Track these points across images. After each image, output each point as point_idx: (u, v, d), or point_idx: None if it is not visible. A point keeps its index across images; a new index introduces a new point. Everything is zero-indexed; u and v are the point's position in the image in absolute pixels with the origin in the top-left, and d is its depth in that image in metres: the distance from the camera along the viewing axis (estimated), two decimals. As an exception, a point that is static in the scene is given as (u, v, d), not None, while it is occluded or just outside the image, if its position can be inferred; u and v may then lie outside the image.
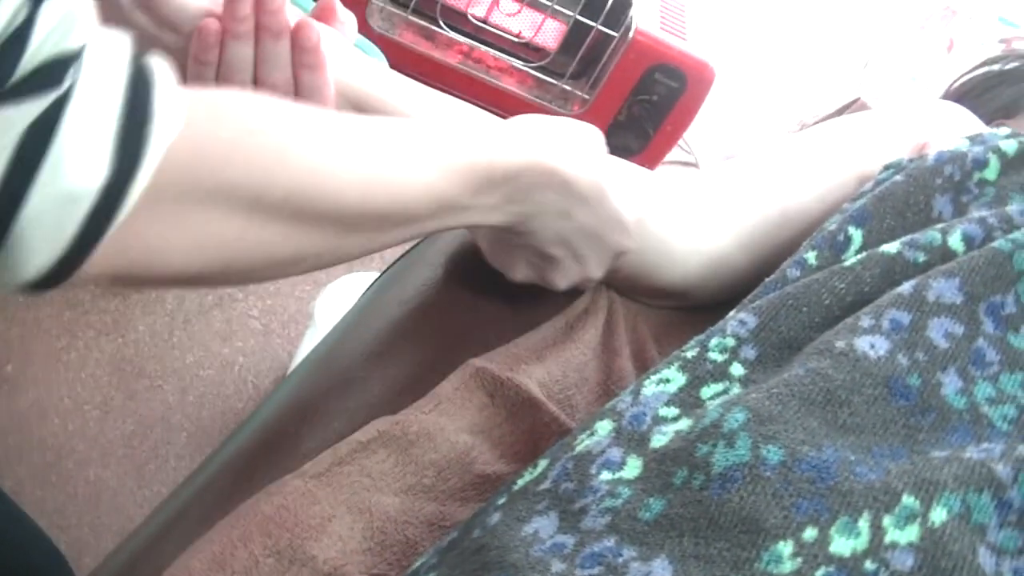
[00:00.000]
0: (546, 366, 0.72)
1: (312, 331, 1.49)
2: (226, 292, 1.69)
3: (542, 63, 1.88)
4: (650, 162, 1.95)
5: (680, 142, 2.27)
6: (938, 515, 0.48)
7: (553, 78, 1.90)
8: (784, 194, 0.83)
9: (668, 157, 2.15)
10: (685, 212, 0.82)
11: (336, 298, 1.49)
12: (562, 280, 0.76)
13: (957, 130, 0.86)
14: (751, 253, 0.83)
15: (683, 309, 0.84)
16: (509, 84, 1.91)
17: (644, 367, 0.75)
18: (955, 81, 1.33)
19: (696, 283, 0.83)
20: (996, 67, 1.30)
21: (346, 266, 1.82)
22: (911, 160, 0.77)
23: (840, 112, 1.65)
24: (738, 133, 2.42)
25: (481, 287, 0.81)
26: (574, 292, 0.80)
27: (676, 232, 0.81)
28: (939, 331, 0.59)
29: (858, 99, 1.63)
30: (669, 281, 0.82)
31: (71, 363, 1.50)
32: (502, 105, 1.93)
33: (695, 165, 2.41)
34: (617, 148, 1.92)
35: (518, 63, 1.90)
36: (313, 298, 1.60)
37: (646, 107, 1.87)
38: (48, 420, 1.42)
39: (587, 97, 1.88)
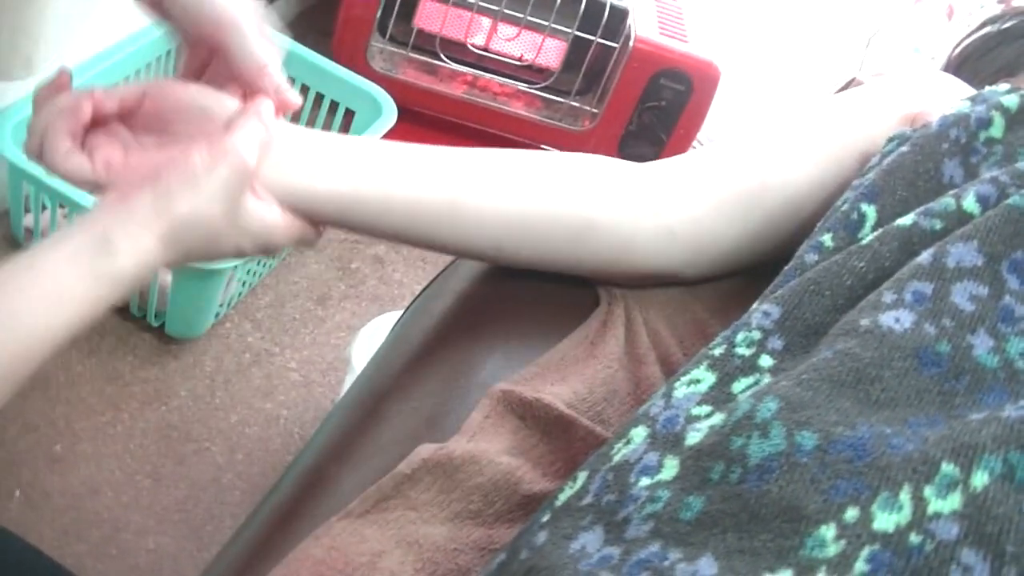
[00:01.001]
0: (570, 385, 0.72)
1: (351, 376, 1.50)
2: (263, 348, 1.70)
3: (547, 83, 1.89)
4: (667, 167, 1.95)
5: (695, 143, 2.27)
6: (979, 479, 0.47)
7: (560, 96, 1.91)
8: (762, 164, 0.82)
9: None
10: (653, 187, 0.81)
11: (371, 341, 1.50)
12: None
13: (949, 96, 0.85)
14: (734, 224, 0.81)
15: (705, 307, 0.83)
16: (517, 108, 1.92)
17: (672, 371, 0.75)
18: (955, 47, 1.32)
19: (684, 260, 0.82)
20: (994, 27, 1.29)
21: (378, 308, 1.83)
22: (915, 130, 0.76)
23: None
24: (753, 125, 2.41)
25: (499, 311, 0.81)
26: (590, 306, 0.80)
27: (644, 209, 0.80)
28: (963, 295, 0.59)
29: (854, 79, 1.63)
30: (654, 261, 0.81)
31: (118, 436, 1.51)
32: (513, 129, 1.94)
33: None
34: (632, 157, 1.92)
35: (523, 86, 1.91)
36: (348, 344, 1.61)
37: (656, 113, 1.87)
38: (101, 494, 1.44)
39: (596, 111, 1.89)
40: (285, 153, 0.74)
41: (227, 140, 0.69)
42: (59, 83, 0.71)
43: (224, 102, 0.73)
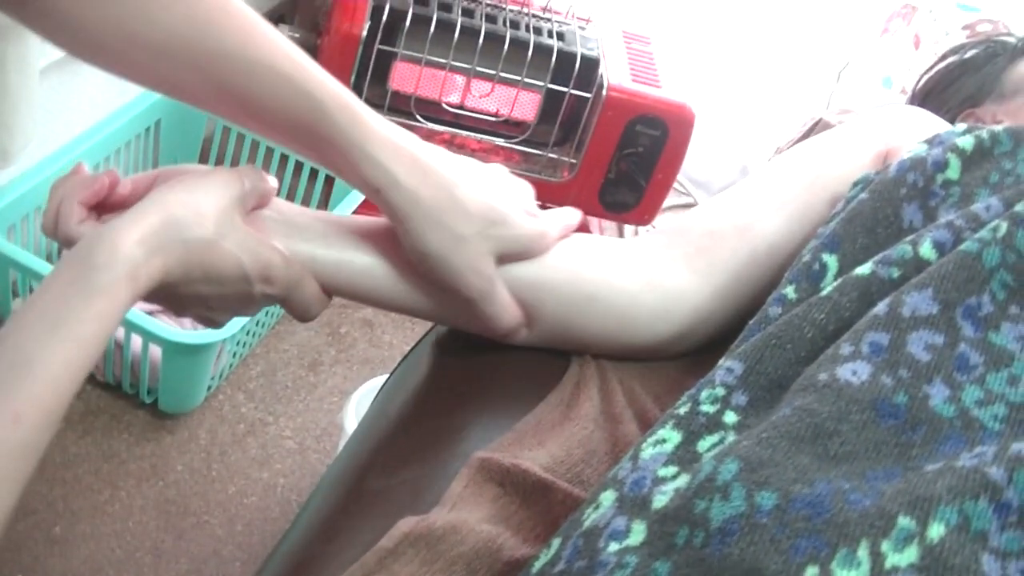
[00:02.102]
0: (548, 449, 0.73)
1: (344, 441, 1.50)
2: (257, 418, 1.71)
3: (524, 136, 1.91)
4: (648, 212, 1.96)
5: (675, 185, 2.28)
6: (936, 531, 0.48)
7: (538, 149, 1.92)
8: (748, 229, 0.83)
9: (667, 202, 2.17)
10: (651, 264, 0.82)
11: (363, 405, 1.50)
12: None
13: (918, 132, 0.87)
14: (724, 299, 0.83)
15: (678, 363, 0.85)
16: (496, 163, 1.93)
17: (649, 427, 0.76)
18: (919, 80, 1.34)
19: (678, 333, 0.83)
20: (956, 58, 1.31)
21: (369, 371, 1.84)
22: (877, 173, 0.78)
23: (806, 135, 1.67)
24: (729, 164, 2.43)
25: (475, 380, 0.82)
26: (563, 368, 0.81)
27: (643, 284, 0.81)
28: (919, 345, 0.60)
29: (820, 119, 1.64)
30: (649, 335, 0.82)
31: (116, 514, 1.51)
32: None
33: (695, 206, 2.42)
34: (613, 205, 1.95)
35: (501, 141, 1.93)
36: (341, 408, 1.62)
37: (634, 160, 1.89)
38: (103, 573, 1.44)
39: (574, 161, 1.90)
40: (301, 222, 0.76)
41: (223, 169, 0.71)
42: (75, 172, 0.72)
43: None
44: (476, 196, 0.75)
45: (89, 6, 0.67)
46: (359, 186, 0.74)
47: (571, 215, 0.84)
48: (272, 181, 0.75)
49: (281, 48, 0.71)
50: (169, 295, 0.70)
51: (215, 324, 0.77)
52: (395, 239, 0.77)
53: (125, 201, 0.71)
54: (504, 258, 0.77)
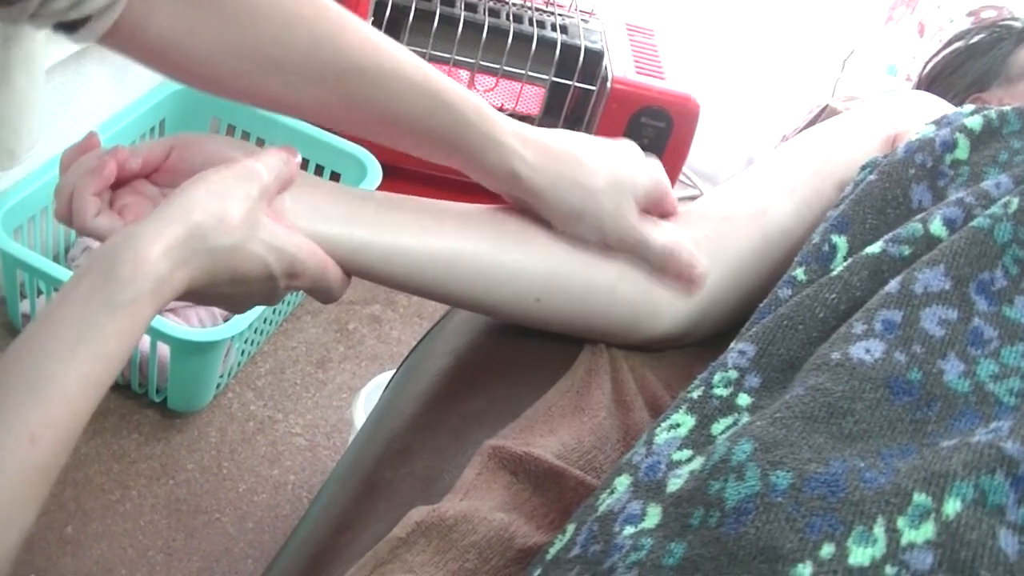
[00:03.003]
0: (559, 436, 0.73)
1: (354, 437, 1.50)
2: (266, 415, 1.71)
3: (529, 130, 1.91)
4: (655, 204, 1.95)
5: (682, 176, 2.28)
6: (951, 507, 0.48)
7: (543, 142, 1.92)
8: (762, 215, 0.83)
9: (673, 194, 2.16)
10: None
11: (372, 400, 1.50)
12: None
13: (926, 116, 0.86)
14: (736, 283, 0.83)
15: (688, 349, 0.84)
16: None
17: (660, 414, 0.75)
18: (925, 65, 1.34)
19: (694, 322, 0.83)
20: (962, 43, 1.31)
21: (378, 367, 1.84)
22: (885, 156, 0.77)
23: (813, 122, 1.66)
24: (735, 155, 2.43)
25: (485, 367, 0.82)
26: (574, 355, 0.81)
27: (658, 285, 0.81)
28: (932, 320, 0.60)
29: (827, 106, 1.64)
30: (669, 324, 0.82)
31: (128, 514, 1.51)
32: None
33: (700, 197, 2.41)
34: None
35: (505, 135, 1.92)
36: (350, 404, 1.62)
37: (639, 151, 1.88)
38: (115, 573, 1.44)
39: (579, 154, 1.90)
40: (325, 204, 0.75)
41: (246, 160, 0.69)
42: (86, 145, 0.70)
43: (251, 151, 0.73)
44: (599, 157, 0.79)
45: (203, 31, 0.67)
46: (495, 176, 0.77)
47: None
48: (296, 159, 0.74)
49: (406, 57, 0.72)
50: (193, 297, 0.68)
51: (240, 311, 0.77)
52: (416, 215, 0.77)
53: (137, 174, 0.70)
54: (639, 205, 0.80)
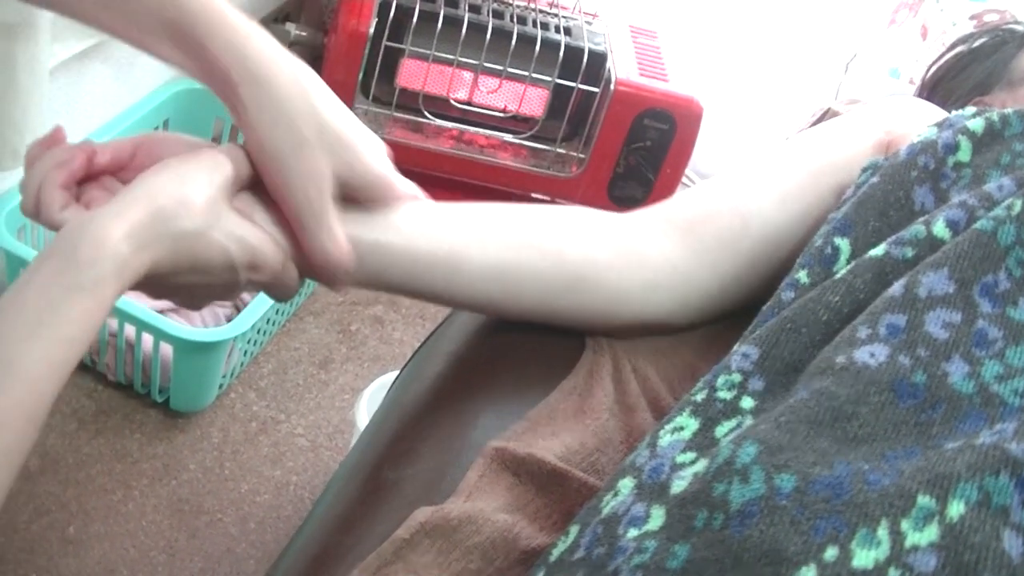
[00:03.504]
0: (561, 438, 0.73)
1: (356, 438, 1.50)
2: (269, 416, 1.71)
3: (532, 132, 1.91)
4: (658, 206, 1.96)
5: (684, 178, 2.28)
6: (955, 509, 0.48)
7: (546, 144, 1.92)
8: (741, 206, 0.83)
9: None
10: (637, 239, 0.82)
11: (374, 401, 1.50)
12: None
13: (917, 120, 0.87)
14: (717, 270, 0.82)
15: (692, 350, 0.84)
16: (505, 159, 1.94)
17: (663, 415, 0.75)
18: (928, 69, 1.34)
19: (670, 309, 0.83)
20: (965, 47, 1.31)
21: (380, 368, 1.84)
22: (886, 158, 0.78)
23: (815, 125, 1.66)
24: (738, 157, 2.43)
25: (489, 368, 0.82)
26: (577, 356, 0.81)
27: (629, 261, 0.81)
28: (936, 323, 0.60)
29: (829, 109, 1.64)
30: (642, 312, 0.82)
31: (130, 514, 1.51)
32: (502, 180, 1.96)
33: (703, 199, 2.42)
34: (622, 199, 1.95)
35: (509, 137, 1.93)
36: (353, 405, 1.62)
37: (642, 154, 1.89)
38: (117, 573, 1.44)
39: (583, 156, 1.90)
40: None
41: (209, 150, 0.69)
42: (53, 139, 0.70)
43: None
44: (332, 114, 0.72)
45: None
46: (218, 79, 0.70)
47: (417, 190, 0.81)
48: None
49: None
50: (153, 285, 0.67)
51: (195, 307, 0.76)
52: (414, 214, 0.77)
53: (105, 170, 0.70)
54: (346, 188, 0.74)
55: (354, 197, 0.75)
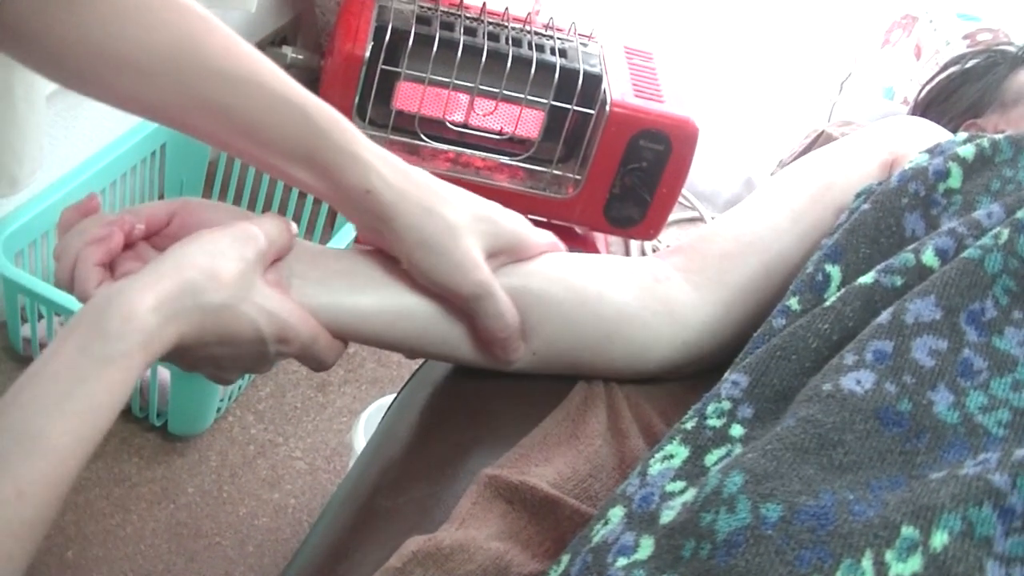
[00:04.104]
0: (555, 465, 0.73)
1: (354, 461, 1.51)
2: (267, 439, 1.71)
3: (528, 154, 1.92)
4: (654, 226, 1.96)
5: (681, 199, 2.29)
6: (939, 539, 0.48)
7: (542, 166, 1.93)
8: (763, 248, 0.83)
9: (672, 216, 2.17)
10: (669, 298, 0.82)
11: (372, 424, 1.51)
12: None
13: (923, 140, 0.87)
14: (739, 322, 0.82)
15: (683, 379, 0.85)
16: (501, 181, 1.94)
17: (655, 442, 0.76)
18: (920, 90, 1.35)
19: (688, 360, 0.83)
20: (957, 68, 1.32)
21: (378, 391, 1.84)
22: (879, 184, 0.78)
23: (808, 148, 1.67)
24: (734, 177, 2.44)
25: (482, 396, 0.83)
26: (570, 384, 0.81)
27: (654, 321, 0.81)
28: (923, 350, 0.60)
29: (823, 132, 1.65)
30: (665, 363, 0.83)
31: (128, 537, 1.51)
32: (499, 202, 1.96)
33: (701, 220, 2.43)
34: (618, 220, 1.95)
35: (505, 159, 1.93)
36: (351, 428, 1.62)
37: (638, 175, 1.89)
38: (116, 598, 1.44)
39: (578, 178, 1.91)
40: (312, 273, 0.75)
41: (244, 223, 0.69)
42: (87, 207, 0.70)
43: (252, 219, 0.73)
44: (460, 196, 0.77)
45: (66, 28, 0.66)
46: (347, 192, 0.73)
47: (556, 241, 0.84)
48: (293, 229, 0.74)
49: (265, 64, 0.71)
50: (181, 357, 0.68)
51: (226, 381, 0.76)
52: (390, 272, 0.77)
53: (139, 239, 0.71)
54: (494, 254, 0.77)
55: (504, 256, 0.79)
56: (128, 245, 0.70)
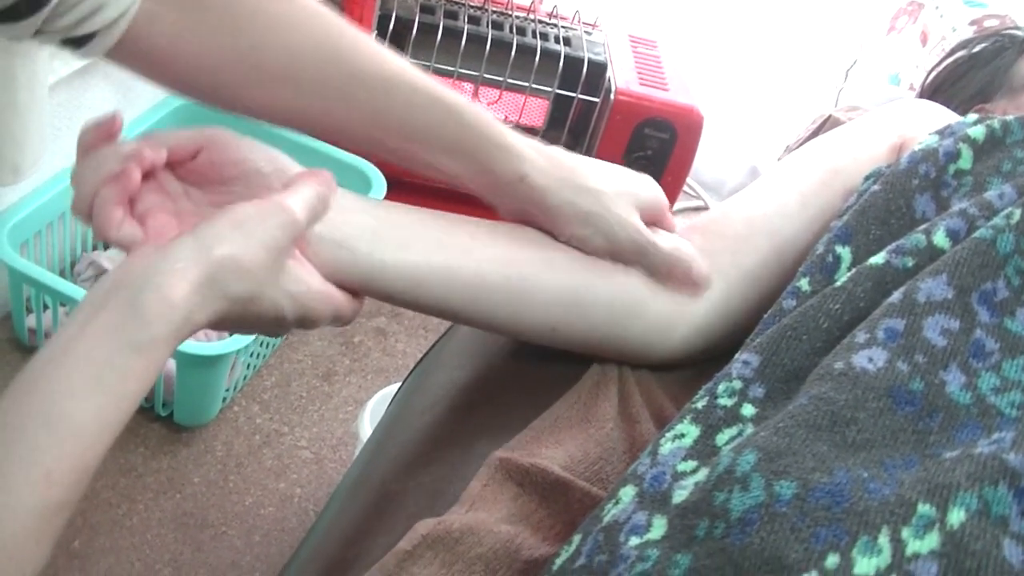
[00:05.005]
0: (566, 448, 0.73)
1: (360, 450, 1.50)
2: (272, 429, 1.71)
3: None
4: (659, 215, 1.96)
5: (685, 188, 2.28)
6: (956, 517, 0.48)
7: (546, 154, 1.92)
8: (775, 232, 0.83)
9: (677, 205, 2.16)
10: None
11: (378, 413, 1.51)
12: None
13: (931, 123, 0.87)
14: (749, 300, 0.83)
15: (694, 364, 0.84)
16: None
17: (665, 426, 0.76)
18: (927, 75, 1.34)
19: (706, 345, 0.83)
20: (964, 52, 1.31)
21: (383, 380, 1.84)
22: (888, 167, 0.78)
23: (816, 132, 1.66)
24: (739, 165, 2.43)
25: (492, 378, 0.82)
26: (582, 368, 0.81)
27: (676, 303, 0.81)
28: (935, 330, 0.60)
29: (830, 116, 1.64)
30: (684, 347, 0.82)
31: (135, 527, 1.51)
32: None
33: (706, 208, 2.42)
34: (624, 208, 1.94)
35: (509, 147, 1.92)
36: (356, 418, 1.62)
37: (643, 163, 1.89)
38: (123, 588, 1.44)
39: (583, 165, 1.90)
40: (350, 225, 0.73)
41: (280, 196, 0.67)
42: (108, 130, 0.67)
43: (285, 165, 0.71)
44: (601, 168, 0.82)
45: (203, 42, 0.67)
46: (501, 180, 0.77)
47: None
48: (332, 186, 0.72)
49: (408, 66, 0.73)
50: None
51: (240, 333, 0.76)
52: (447, 232, 0.77)
53: (161, 166, 0.68)
54: (641, 216, 0.82)
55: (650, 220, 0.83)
56: (149, 175, 0.68)
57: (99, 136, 0.67)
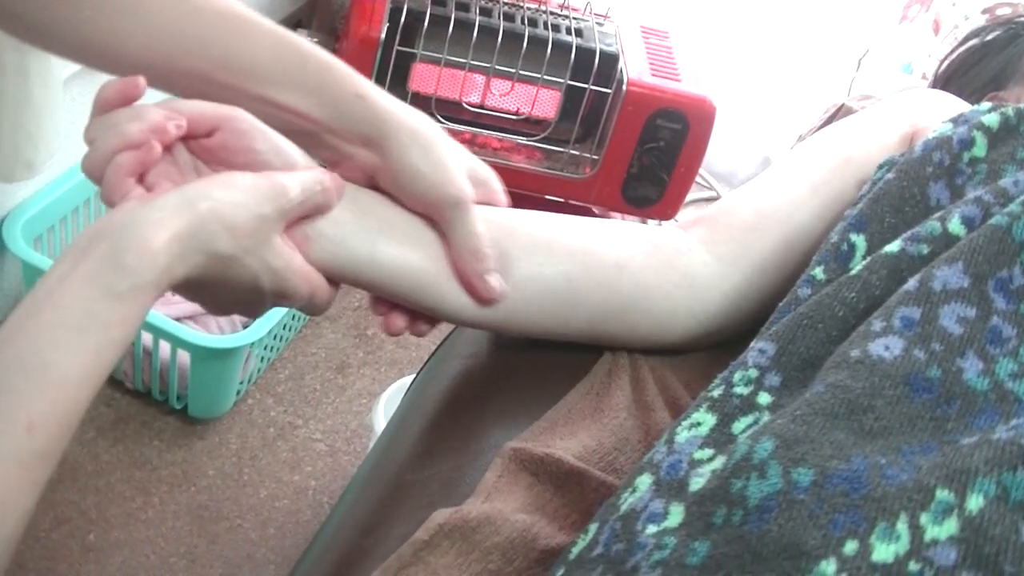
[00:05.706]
0: (580, 438, 0.73)
1: (374, 442, 1.51)
2: (287, 421, 1.72)
3: (545, 134, 1.91)
4: (671, 206, 1.96)
5: (698, 179, 2.28)
6: (974, 502, 0.48)
7: (559, 146, 1.92)
8: (785, 220, 0.83)
9: (690, 196, 2.16)
10: (687, 267, 0.82)
11: (392, 406, 1.51)
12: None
13: (943, 113, 0.86)
14: (761, 294, 0.83)
15: (708, 351, 0.84)
16: (518, 162, 1.94)
17: (680, 414, 0.76)
18: (940, 64, 1.33)
19: (709, 333, 0.83)
20: (977, 40, 1.30)
21: (397, 372, 1.84)
22: (902, 155, 0.77)
23: (829, 121, 1.66)
24: (751, 156, 2.43)
25: (506, 369, 0.82)
26: (594, 357, 0.81)
27: (682, 291, 0.81)
28: (951, 317, 0.60)
29: (843, 105, 1.63)
30: (685, 334, 0.82)
31: (150, 520, 1.52)
32: (516, 183, 1.95)
33: (717, 199, 2.42)
34: (636, 200, 1.94)
35: (522, 139, 1.93)
36: (371, 410, 1.62)
37: (655, 154, 1.88)
38: (139, 581, 1.45)
39: (596, 158, 1.90)
40: (352, 222, 0.73)
41: (279, 174, 0.68)
42: (129, 93, 0.67)
43: (295, 160, 0.71)
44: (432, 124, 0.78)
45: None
46: (339, 100, 0.74)
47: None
48: (338, 183, 0.72)
49: (242, 4, 0.73)
50: (183, 292, 0.67)
51: (217, 313, 0.75)
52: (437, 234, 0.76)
53: (177, 140, 0.69)
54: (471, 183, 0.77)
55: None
56: (165, 148, 0.68)
57: (119, 97, 0.67)
